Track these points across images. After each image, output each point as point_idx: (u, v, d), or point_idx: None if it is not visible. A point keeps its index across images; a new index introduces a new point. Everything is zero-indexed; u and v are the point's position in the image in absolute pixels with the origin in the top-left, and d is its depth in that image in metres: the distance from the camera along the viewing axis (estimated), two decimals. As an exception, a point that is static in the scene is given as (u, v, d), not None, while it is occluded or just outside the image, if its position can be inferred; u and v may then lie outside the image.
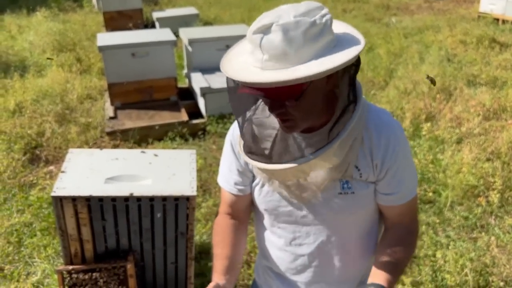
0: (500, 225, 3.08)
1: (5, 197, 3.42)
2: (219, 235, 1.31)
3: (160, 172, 2.10)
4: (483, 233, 3.00)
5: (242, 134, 1.15)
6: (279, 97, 1.00)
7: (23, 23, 8.59)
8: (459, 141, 3.98)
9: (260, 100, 1.15)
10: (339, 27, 1.05)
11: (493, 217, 3.17)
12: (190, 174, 2.10)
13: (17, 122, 4.41)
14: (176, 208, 2.02)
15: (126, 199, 1.96)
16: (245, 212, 1.35)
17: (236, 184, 1.28)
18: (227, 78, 1.03)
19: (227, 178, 1.30)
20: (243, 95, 1.08)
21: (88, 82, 5.60)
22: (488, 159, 3.66)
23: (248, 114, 1.15)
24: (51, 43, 6.86)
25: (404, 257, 1.21)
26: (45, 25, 7.99)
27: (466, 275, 2.59)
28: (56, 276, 2.59)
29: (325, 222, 1.20)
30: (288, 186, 1.16)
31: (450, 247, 2.81)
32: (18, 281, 2.65)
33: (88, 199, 1.93)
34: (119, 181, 2.01)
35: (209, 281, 2.79)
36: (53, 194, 1.90)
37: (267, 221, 1.30)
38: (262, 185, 1.24)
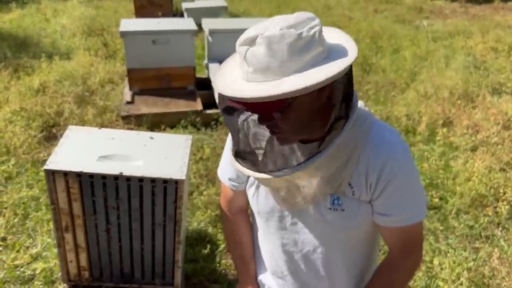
0: (505, 237, 2.99)
1: (17, 171, 3.54)
2: (231, 237, 1.45)
3: (153, 154, 2.13)
4: (486, 244, 2.92)
5: (233, 142, 1.14)
6: (264, 110, 0.98)
7: (59, 7, 8.82)
8: (473, 149, 3.87)
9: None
10: (335, 37, 1.00)
11: (499, 228, 3.07)
12: (182, 159, 2.12)
13: (38, 101, 4.54)
14: (164, 191, 2.04)
15: (116, 177, 2.00)
16: (243, 204, 1.41)
17: (230, 179, 1.33)
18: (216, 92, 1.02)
19: (224, 172, 1.35)
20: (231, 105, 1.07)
21: (112, 67, 5.72)
22: (501, 169, 3.55)
23: (240, 122, 1.12)
24: (81, 27, 7.03)
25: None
26: (78, 10, 8.20)
27: (461, 284, 2.52)
28: (54, 250, 2.68)
29: (313, 234, 1.20)
30: (278, 191, 1.16)
31: (448, 255, 2.74)
32: (18, 251, 2.75)
33: (79, 175, 1.98)
34: (111, 160, 2.05)
35: (202, 268, 2.81)
36: (45, 167, 1.95)
37: (258, 222, 1.32)
38: (257, 188, 1.24)
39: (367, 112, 1.12)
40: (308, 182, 1.08)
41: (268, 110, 0.97)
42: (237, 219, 1.43)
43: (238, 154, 1.13)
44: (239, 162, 1.12)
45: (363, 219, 1.15)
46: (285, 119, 0.99)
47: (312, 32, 0.92)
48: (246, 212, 1.45)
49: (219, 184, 3.48)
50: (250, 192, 1.27)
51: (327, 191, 1.10)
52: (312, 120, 1.03)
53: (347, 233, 1.18)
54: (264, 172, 1.06)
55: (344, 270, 1.26)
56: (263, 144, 1.11)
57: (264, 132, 1.11)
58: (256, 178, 1.14)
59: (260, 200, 1.24)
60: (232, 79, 0.98)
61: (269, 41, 0.90)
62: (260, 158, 1.10)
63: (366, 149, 1.08)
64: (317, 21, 0.95)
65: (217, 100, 1.12)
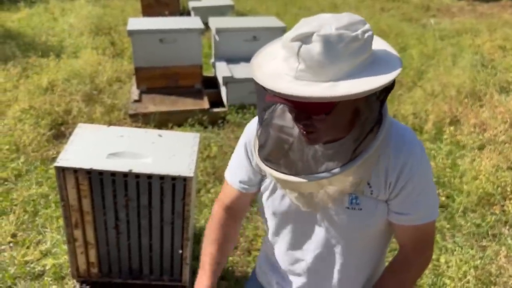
0: (513, 235, 2.98)
1: (27, 168, 3.58)
2: (213, 232, 1.35)
3: (162, 152, 2.15)
4: (493, 242, 2.91)
5: (260, 140, 1.13)
6: (309, 110, 0.96)
7: (66, 6, 8.87)
8: (481, 148, 3.86)
9: (278, 106, 1.11)
10: (376, 42, 1.01)
11: (507, 227, 3.07)
12: (190, 156, 2.15)
13: (47, 99, 4.58)
14: (173, 188, 2.06)
15: (125, 175, 2.02)
16: (244, 209, 1.39)
17: (241, 182, 1.30)
18: (256, 82, 0.96)
19: (234, 174, 1.32)
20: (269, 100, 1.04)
21: (119, 65, 5.75)
22: (509, 168, 3.54)
23: (267, 119, 1.11)
24: (89, 26, 7.07)
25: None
26: (86, 9, 8.24)
27: (468, 282, 2.52)
28: (64, 247, 2.71)
29: (328, 233, 1.20)
30: (300, 194, 1.14)
31: (455, 253, 2.75)
32: (28, 248, 2.78)
33: (89, 172, 2.00)
34: (121, 157, 2.08)
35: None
36: (56, 164, 1.98)
37: (272, 223, 1.31)
38: (274, 189, 1.24)
39: (386, 111, 1.12)
40: (339, 185, 1.06)
41: (314, 110, 0.96)
42: (235, 224, 1.39)
43: (266, 156, 1.11)
44: (268, 166, 1.09)
45: (380, 218, 1.16)
46: (327, 120, 0.98)
47: (366, 35, 0.93)
48: (242, 219, 1.42)
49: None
50: (265, 194, 1.26)
51: (347, 191, 1.10)
52: (353, 123, 1.03)
53: (362, 233, 1.18)
54: (299, 176, 1.04)
55: (356, 268, 1.27)
56: (299, 147, 1.09)
57: (293, 130, 1.10)
58: (282, 181, 1.09)
59: (276, 201, 1.24)
60: (274, 73, 0.95)
61: (326, 40, 0.90)
62: (294, 161, 1.08)
63: (386, 149, 1.08)
64: (368, 25, 0.96)
65: (257, 96, 1.08)
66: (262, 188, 1.28)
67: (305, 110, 0.96)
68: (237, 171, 1.31)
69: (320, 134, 1.02)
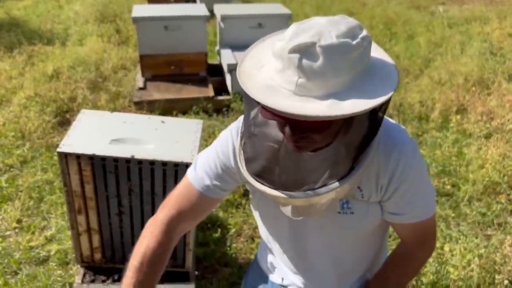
0: (518, 224, 2.96)
1: (32, 155, 3.60)
2: (143, 255, 1.16)
3: (164, 138, 2.14)
4: (498, 231, 2.89)
5: (247, 152, 1.05)
6: (309, 127, 0.90)
7: (72, -7, 8.86)
8: (487, 136, 3.82)
9: (257, 113, 1.01)
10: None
11: (512, 216, 3.04)
12: (192, 143, 2.14)
13: (52, 87, 4.59)
14: (175, 174, 2.06)
15: (127, 160, 2.02)
16: (192, 223, 1.26)
17: (215, 186, 1.18)
18: (245, 93, 0.88)
19: (208, 176, 1.18)
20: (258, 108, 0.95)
21: (124, 53, 5.74)
22: (516, 157, 3.50)
23: (254, 130, 1.02)
24: (94, 13, 7.05)
25: (396, 281, 1.23)
26: (91, -4, 8.23)
27: (472, 270, 2.51)
28: (68, 233, 2.73)
29: (321, 236, 1.19)
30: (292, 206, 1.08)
31: (459, 242, 2.73)
32: (33, 233, 2.81)
33: (91, 158, 2.00)
34: (123, 143, 2.07)
35: (213, 251, 2.84)
36: (58, 150, 1.98)
37: (264, 227, 1.30)
38: (263, 194, 1.15)
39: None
40: (335, 195, 1.00)
41: (315, 128, 0.90)
42: (167, 249, 1.22)
43: (256, 170, 1.02)
44: (258, 181, 1.01)
45: (373, 219, 1.13)
46: (324, 133, 0.93)
47: (365, 43, 0.88)
48: (177, 239, 1.26)
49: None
50: (255, 197, 1.22)
51: (339, 197, 1.07)
52: (348, 130, 0.96)
53: (356, 233, 1.17)
54: (296, 191, 0.96)
55: (354, 263, 1.27)
56: (294, 160, 1.00)
57: (276, 139, 1.02)
58: (277, 198, 1.00)
59: (267, 206, 1.20)
60: (269, 86, 0.87)
61: (329, 51, 0.83)
62: (289, 175, 0.99)
63: (376, 151, 1.02)
64: (365, 31, 0.90)
65: (245, 104, 1.01)
66: (251, 191, 1.23)
67: (305, 126, 0.90)
68: (210, 173, 1.18)
69: (313, 144, 0.96)
